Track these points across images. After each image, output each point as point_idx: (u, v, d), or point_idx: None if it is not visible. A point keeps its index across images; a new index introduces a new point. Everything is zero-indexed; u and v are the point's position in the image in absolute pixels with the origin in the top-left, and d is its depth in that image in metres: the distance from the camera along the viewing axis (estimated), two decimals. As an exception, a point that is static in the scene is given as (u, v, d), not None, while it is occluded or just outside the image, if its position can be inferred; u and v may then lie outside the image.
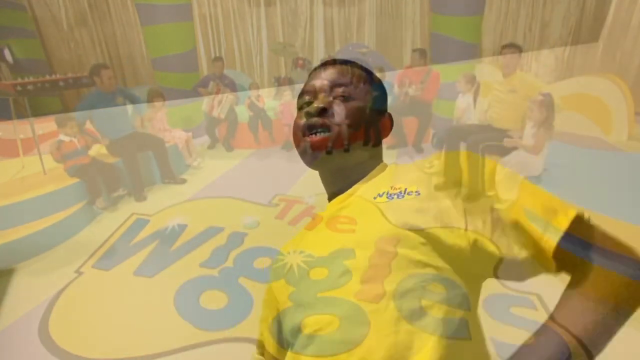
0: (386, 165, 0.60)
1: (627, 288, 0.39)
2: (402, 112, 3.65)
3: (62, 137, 2.64)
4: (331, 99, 0.57)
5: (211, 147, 3.88)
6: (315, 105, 0.55)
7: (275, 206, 2.50)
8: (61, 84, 2.60)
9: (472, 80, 3.42)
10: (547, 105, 2.40)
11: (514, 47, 2.81)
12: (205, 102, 3.77)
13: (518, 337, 0.40)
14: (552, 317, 0.39)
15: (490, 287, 0.52)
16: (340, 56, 4.94)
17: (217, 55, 5.06)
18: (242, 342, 1.36)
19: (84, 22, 5.54)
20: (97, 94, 2.82)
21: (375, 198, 0.51)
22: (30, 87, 2.41)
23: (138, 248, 2.10)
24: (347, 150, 0.55)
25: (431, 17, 4.64)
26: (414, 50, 3.86)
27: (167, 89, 4.03)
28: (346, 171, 0.57)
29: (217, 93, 3.72)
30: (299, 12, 5.79)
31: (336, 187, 0.58)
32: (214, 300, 1.59)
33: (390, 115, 0.63)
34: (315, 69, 0.62)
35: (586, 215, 0.42)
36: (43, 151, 2.71)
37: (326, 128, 0.55)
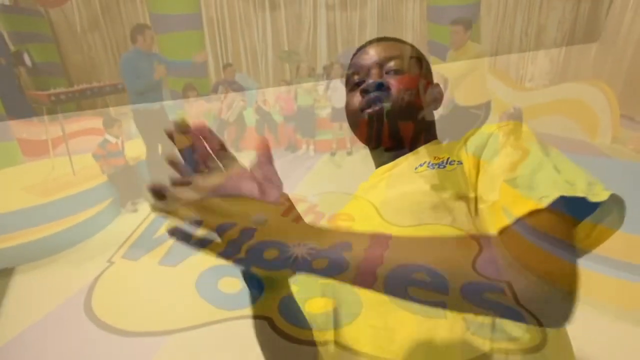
0: (439, 142, 0.61)
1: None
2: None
3: (107, 137, 2.82)
4: (384, 74, 0.58)
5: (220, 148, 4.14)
6: (372, 80, 0.56)
7: (281, 204, 2.75)
8: (88, 92, 2.87)
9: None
10: (516, 118, 2.60)
11: (458, 24, 2.88)
12: (215, 107, 4.05)
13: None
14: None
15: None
16: (342, 59, 5.18)
17: (226, 61, 5.32)
18: (256, 318, 1.65)
19: (97, 26, 5.81)
20: (135, 52, 2.82)
21: (416, 168, 0.53)
22: (62, 96, 2.68)
23: (160, 241, 2.38)
24: (406, 121, 0.56)
25: (427, 25, 4.86)
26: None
27: (177, 93, 4.29)
28: (402, 143, 0.58)
29: (225, 98, 3.99)
30: (302, 16, 6.02)
31: (388, 158, 0.59)
32: (230, 285, 1.86)
33: (439, 86, 0.63)
34: (360, 48, 0.62)
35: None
36: (61, 152, 2.92)
37: (385, 101, 0.55)
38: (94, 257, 2.32)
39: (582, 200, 0.36)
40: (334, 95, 3.67)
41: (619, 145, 3.87)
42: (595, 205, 0.36)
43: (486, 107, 2.96)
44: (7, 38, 4.72)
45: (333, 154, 3.92)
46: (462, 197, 0.46)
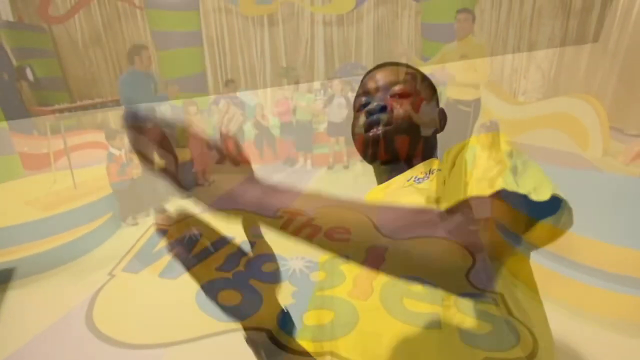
0: (437, 160, 0.63)
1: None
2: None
3: (111, 150, 2.87)
4: (388, 97, 0.61)
5: (219, 161, 4.21)
6: (376, 103, 0.60)
7: (279, 218, 2.81)
8: (91, 108, 2.94)
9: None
10: (493, 131, 2.67)
11: (467, 12, 2.95)
12: (215, 120, 4.13)
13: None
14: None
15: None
16: (339, 75, 5.30)
17: (225, 76, 5.43)
18: (253, 330, 1.68)
19: (98, 41, 5.92)
20: (132, 73, 2.92)
21: (405, 183, 0.56)
22: (66, 112, 2.75)
23: (161, 254, 2.43)
24: (406, 141, 0.59)
25: (422, 41, 5.00)
26: None
27: (178, 108, 4.38)
28: (400, 162, 0.61)
29: (226, 111, 4.08)
30: (300, 32, 6.15)
31: (387, 175, 0.62)
32: (229, 297, 1.91)
33: (442, 110, 0.66)
34: (369, 71, 0.66)
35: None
36: (61, 165, 2.97)
37: (387, 124, 0.59)
38: (95, 271, 2.35)
39: (524, 198, 0.38)
40: (331, 110, 3.75)
41: (610, 158, 3.96)
42: (538, 203, 0.38)
43: (476, 105, 2.97)
44: (10, 53, 4.81)
45: (330, 168, 3.99)
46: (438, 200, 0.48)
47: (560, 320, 1.58)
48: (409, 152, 0.60)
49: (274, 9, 5.64)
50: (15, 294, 2.20)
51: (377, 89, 0.62)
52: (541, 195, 0.38)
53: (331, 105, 3.70)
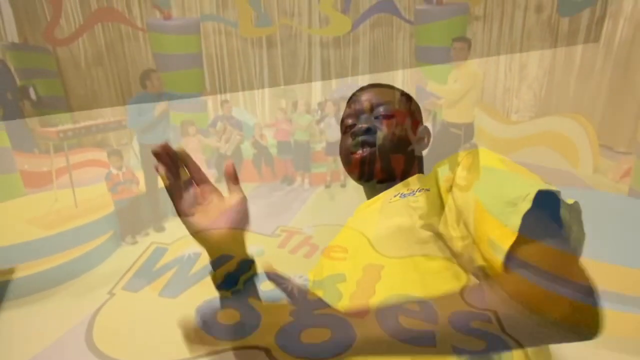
0: (422, 175, 0.66)
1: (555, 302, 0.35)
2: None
3: (112, 169, 2.95)
4: (373, 118, 0.64)
5: (218, 180, 4.29)
6: (360, 125, 0.63)
7: (277, 236, 2.87)
8: (94, 129, 3.02)
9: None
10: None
11: (463, 41, 3.08)
12: (214, 140, 4.21)
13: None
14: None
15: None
16: (335, 95, 5.43)
17: (224, 96, 5.55)
18: (252, 348, 1.71)
19: (101, 61, 6.06)
20: (142, 96, 3.03)
21: (390, 200, 0.57)
22: (70, 133, 2.83)
23: (160, 273, 2.46)
24: (391, 163, 0.62)
25: (417, 64, 5.16)
26: None
27: (178, 127, 4.47)
28: (387, 180, 0.63)
29: (223, 132, 4.17)
30: (298, 53, 6.32)
31: (374, 193, 0.65)
32: (228, 316, 1.94)
33: (427, 127, 0.69)
34: (354, 94, 0.68)
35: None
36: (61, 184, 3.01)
37: (372, 145, 0.62)
38: (95, 289, 2.38)
39: (553, 195, 0.40)
40: (328, 130, 3.85)
41: (600, 175, 4.06)
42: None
43: (467, 129, 3.05)
44: (14, 73, 4.93)
45: (327, 187, 4.06)
46: (429, 222, 0.49)
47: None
48: (394, 171, 0.63)
49: (272, 31, 5.81)
50: (15, 313, 2.22)
51: (362, 111, 0.65)
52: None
53: (329, 126, 3.80)
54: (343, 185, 4.03)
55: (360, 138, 0.62)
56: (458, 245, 0.46)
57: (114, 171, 2.96)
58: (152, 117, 2.95)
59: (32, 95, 5.15)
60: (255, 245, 2.72)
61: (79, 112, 5.86)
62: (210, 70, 5.98)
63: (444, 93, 3.12)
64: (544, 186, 0.41)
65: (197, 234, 0.47)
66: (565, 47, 5.59)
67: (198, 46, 4.83)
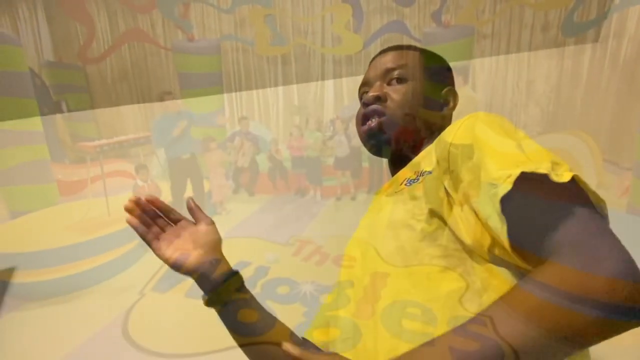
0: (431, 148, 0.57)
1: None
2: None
3: (138, 182, 3.23)
4: (386, 84, 0.58)
5: (235, 192, 4.58)
6: (370, 94, 0.58)
7: (291, 245, 3.10)
8: (126, 144, 3.32)
9: None
10: None
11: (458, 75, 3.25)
12: (232, 154, 4.50)
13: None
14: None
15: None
16: (347, 112, 5.67)
17: (241, 112, 5.87)
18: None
19: (125, 77, 6.47)
20: (166, 116, 3.30)
21: (399, 185, 0.53)
22: (105, 147, 3.12)
23: (186, 276, 2.70)
24: (405, 131, 0.56)
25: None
26: None
27: (198, 141, 4.77)
28: (402, 154, 0.58)
29: (241, 147, 4.47)
30: (311, 70, 6.60)
31: (393, 170, 0.60)
32: (247, 315, 2.17)
33: (452, 90, 0.61)
34: (373, 58, 0.63)
35: None
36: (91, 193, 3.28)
37: (380, 114, 0.56)
38: (126, 290, 2.64)
39: (545, 178, 0.36)
40: (338, 146, 4.10)
41: (603, 191, 4.17)
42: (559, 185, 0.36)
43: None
44: (50, 89, 5.35)
45: (338, 199, 4.29)
46: (432, 207, 0.47)
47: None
48: (409, 142, 0.57)
49: (287, 50, 6.13)
50: (55, 309, 2.49)
51: (376, 77, 0.60)
52: (561, 175, 0.37)
53: (340, 143, 4.05)
54: (353, 198, 4.25)
55: (370, 108, 0.57)
56: (462, 225, 0.44)
57: (140, 183, 3.24)
58: (175, 136, 3.25)
59: (64, 109, 5.59)
60: (272, 253, 2.95)
61: (103, 124, 6.27)
62: (228, 87, 6.32)
63: None
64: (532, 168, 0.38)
65: (181, 270, 0.55)
66: (571, 63, 5.76)
67: (218, 66, 5.17)
